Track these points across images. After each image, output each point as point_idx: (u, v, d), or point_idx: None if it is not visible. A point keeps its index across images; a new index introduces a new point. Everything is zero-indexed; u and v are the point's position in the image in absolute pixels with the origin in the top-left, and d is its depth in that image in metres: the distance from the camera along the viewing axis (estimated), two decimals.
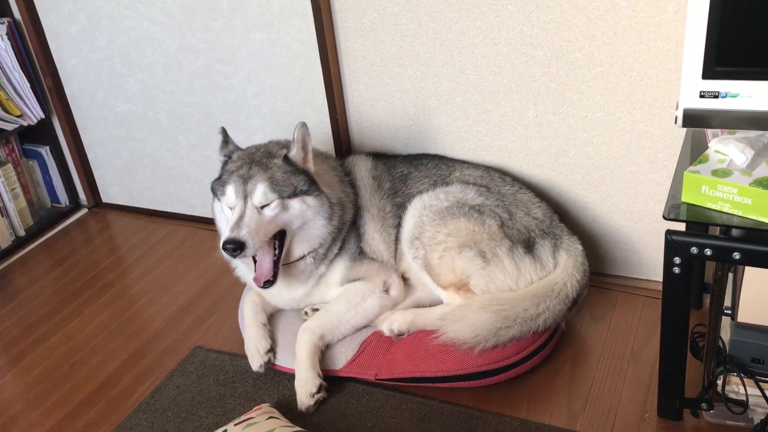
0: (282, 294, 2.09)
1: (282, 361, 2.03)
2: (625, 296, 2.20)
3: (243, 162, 1.97)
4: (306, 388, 1.91)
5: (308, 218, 1.97)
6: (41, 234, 2.94)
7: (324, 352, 2.01)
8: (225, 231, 1.88)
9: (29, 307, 2.52)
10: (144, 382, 2.09)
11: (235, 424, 1.75)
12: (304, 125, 1.98)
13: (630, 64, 1.94)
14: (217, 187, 2.00)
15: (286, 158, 1.96)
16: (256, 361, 2.01)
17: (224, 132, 2.09)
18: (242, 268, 2.16)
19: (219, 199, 2.00)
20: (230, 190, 1.92)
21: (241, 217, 1.88)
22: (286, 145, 2.03)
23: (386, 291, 2.09)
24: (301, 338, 1.98)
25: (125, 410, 2.00)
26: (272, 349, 2.03)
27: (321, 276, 2.09)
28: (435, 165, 2.22)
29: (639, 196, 2.12)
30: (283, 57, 2.38)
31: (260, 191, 1.90)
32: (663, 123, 1.98)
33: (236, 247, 1.83)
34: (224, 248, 1.85)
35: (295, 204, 1.94)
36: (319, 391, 1.92)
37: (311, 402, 1.90)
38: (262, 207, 1.91)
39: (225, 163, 2.04)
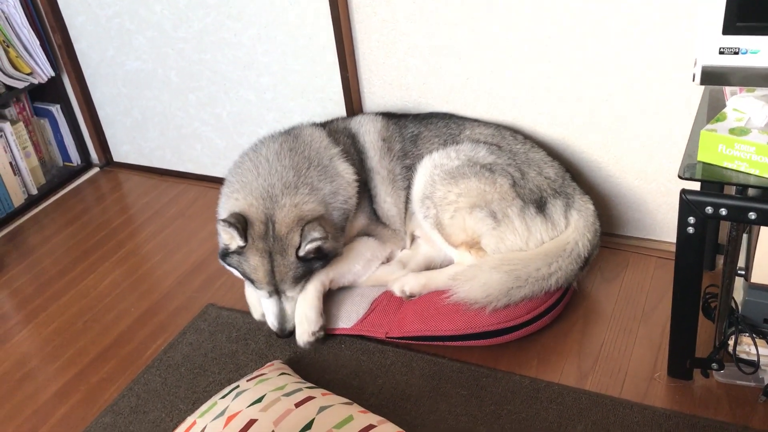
0: None
1: None
2: (638, 257, 2.19)
3: (260, 257, 1.89)
4: (309, 326, 1.95)
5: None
6: (53, 193, 2.95)
7: (335, 310, 2.03)
8: (272, 322, 1.98)
9: (43, 264, 2.54)
10: (157, 339, 2.12)
11: (248, 380, 1.77)
12: (314, 232, 1.88)
13: (648, 22, 1.90)
14: (238, 270, 1.95)
15: (298, 258, 1.92)
16: (256, 311, 2.06)
17: (236, 224, 1.88)
18: None
19: (241, 275, 1.98)
20: (263, 292, 1.95)
21: (280, 312, 1.97)
22: (299, 219, 1.91)
23: (388, 259, 2.13)
24: (313, 279, 1.99)
25: (139, 366, 2.02)
26: None
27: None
28: (445, 124, 2.20)
29: (654, 156, 2.09)
30: (294, 13, 2.35)
31: (290, 289, 1.95)
32: (680, 82, 1.94)
33: (290, 334, 1.98)
34: (279, 337, 2.00)
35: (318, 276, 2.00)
36: (320, 330, 1.96)
37: (311, 339, 1.95)
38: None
39: (241, 251, 1.93)
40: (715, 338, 1.73)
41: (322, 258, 1.96)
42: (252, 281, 1.94)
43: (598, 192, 2.21)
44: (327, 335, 2.01)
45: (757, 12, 1.39)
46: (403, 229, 2.16)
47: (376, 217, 2.14)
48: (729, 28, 1.42)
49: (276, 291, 1.95)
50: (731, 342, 1.67)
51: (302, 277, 1.96)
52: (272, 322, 1.99)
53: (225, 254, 1.96)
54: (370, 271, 2.09)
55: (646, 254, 2.19)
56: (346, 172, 2.08)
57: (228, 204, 1.99)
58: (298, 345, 1.97)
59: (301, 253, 1.91)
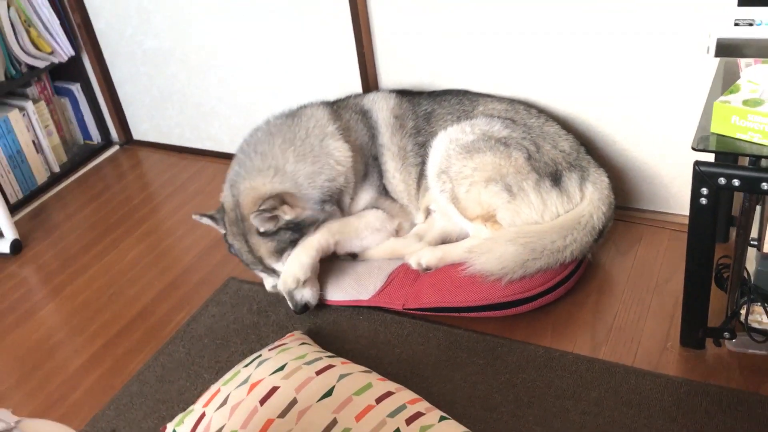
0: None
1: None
2: (652, 230, 2.21)
3: (238, 241, 2.07)
4: (296, 271, 2.00)
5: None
6: (75, 170, 3.01)
7: (353, 282, 2.07)
8: (287, 297, 2.04)
9: (67, 240, 2.60)
10: (180, 312, 2.18)
11: (269, 350, 1.83)
12: (259, 215, 1.96)
13: None
14: (232, 250, 2.15)
15: (261, 234, 2.02)
16: (269, 282, 2.14)
17: (209, 216, 2.14)
18: None
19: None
20: (258, 271, 2.12)
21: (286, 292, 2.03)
22: (259, 197, 2.01)
23: (396, 232, 2.18)
24: (320, 231, 2.06)
25: (163, 337, 2.08)
26: None
27: (347, 207, 2.15)
28: (458, 101, 2.22)
29: (668, 129, 2.11)
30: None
31: (275, 265, 2.06)
32: (694, 54, 1.95)
33: (304, 309, 2.04)
34: (297, 313, 2.05)
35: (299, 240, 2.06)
36: (304, 283, 2.01)
37: (293, 286, 2.01)
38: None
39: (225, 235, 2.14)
40: (727, 308, 1.76)
41: (294, 229, 2.02)
42: (245, 264, 2.10)
43: (612, 165, 2.23)
44: (345, 307, 2.06)
45: None
46: (412, 205, 2.20)
47: (385, 191, 2.18)
48: (744, 0, 1.44)
49: (266, 269, 2.07)
50: (743, 311, 1.69)
51: (282, 250, 2.03)
52: (288, 301, 2.06)
53: (225, 238, 2.13)
54: (376, 241, 2.15)
55: (660, 227, 2.22)
56: (337, 150, 2.11)
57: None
58: (279, 288, 2.05)
59: (260, 228, 2.00)
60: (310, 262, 2.02)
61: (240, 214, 2.03)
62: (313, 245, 2.03)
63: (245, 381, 1.70)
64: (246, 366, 1.77)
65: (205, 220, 2.14)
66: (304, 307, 2.02)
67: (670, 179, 2.19)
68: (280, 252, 2.03)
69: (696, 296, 1.71)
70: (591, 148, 2.19)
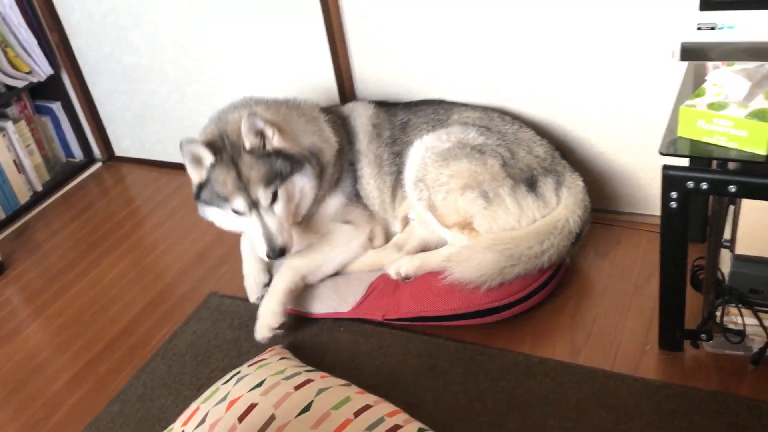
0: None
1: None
2: (630, 232, 2.22)
3: (227, 169, 1.95)
4: (268, 321, 1.99)
5: (302, 191, 2.05)
6: (58, 188, 3.01)
7: (333, 294, 2.07)
8: (260, 245, 1.96)
9: (50, 259, 2.61)
10: (162, 329, 2.17)
11: (249, 366, 1.83)
12: (250, 116, 1.93)
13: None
14: (212, 199, 1.99)
15: (250, 152, 1.95)
16: (253, 293, 2.13)
17: (194, 143, 1.97)
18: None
19: (218, 207, 2.01)
20: (238, 204, 1.96)
21: (264, 227, 1.95)
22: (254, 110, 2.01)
23: (370, 240, 2.17)
24: (284, 273, 2.06)
25: (144, 355, 2.08)
26: (269, 283, 2.10)
27: (315, 212, 2.14)
28: (434, 110, 2.23)
29: (644, 131, 2.11)
30: (287, 8, 2.37)
31: (263, 194, 1.95)
32: (666, 58, 1.95)
33: (281, 253, 1.95)
34: (270, 258, 1.96)
35: (290, 184, 2.00)
36: (279, 327, 1.99)
37: (269, 335, 1.99)
38: (272, 203, 1.97)
39: (210, 171, 1.98)
40: (703, 309, 1.76)
41: (285, 159, 1.97)
42: (226, 199, 1.96)
43: (590, 169, 2.23)
44: (325, 320, 2.06)
45: None
46: (382, 212, 2.20)
47: (357, 198, 2.18)
48: (706, 4, 1.44)
49: (252, 203, 1.95)
50: (719, 313, 1.70)
51: (270, 180, 1.95)
52: (260, 245, 1.96)
53: (198, 194, 2.02)
54: (351, 257, 2.13)
55: (639, 229, 2.22)
56: (327, 131, 2.15)
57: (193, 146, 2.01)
58: (255, 338, 2.00)
59: (247, 144, 1.94)
60: (281, 309, 2.00)
61: (229, 140, 1.97)
62: (279, 290, 2.02)
63: (224, 398, 1.70)
64: (225, 383, 1.77)
65: (194, 147, 1.96)
66: (282, 251, 1.96)
67: (647, 181, 2.19)
68: (269, 180, 1.94)
69: (672, 299, 1.71)
70: (566, 152, 2.19)
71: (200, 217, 2.60)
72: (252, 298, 2.14)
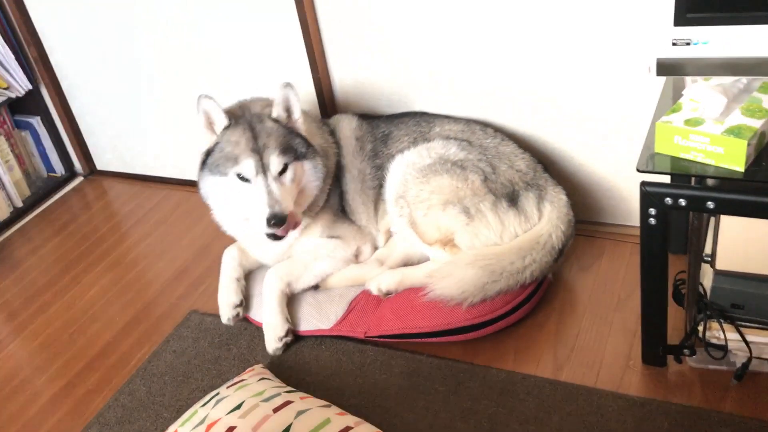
0: (264, 247, 2.12)
1: (255, 315, 2.10)
2: (614, 244, 2.20)
3: (242, 130, 1.92)
4: (275, 333, 2.00)
5: (309, 180, 2.02)
6: (39, 204, 2.98)
7: (314, 311, 2.05)
8: (263, 208, 1.88)
9: (30, 277, 2.57)
10: (141, 348, 2.15)
11: (228, 387, 1.80)
12: (288, 85, 1.96)
13: (611, 12, 1.90)
14: (218, 164, 1.94)
15: (275, 120, 1.95)
16: (225, 314, 2.09)
17: (211, 100, 1.93)
18: (230, 224, 2.17)
19: (222, 174, 1.95)
20: (248, 166, 1.90)
21: (269, 192, 1.89)
22: (270, 104, 2.01)
23: (356, 256, 2.15)
24: (269, 284, 2.06)
25: (124, 376, 2.05)
26: (241, 304, 2.08)
27: (305, 227, 2.11)
28: (415, 122, 2.21)
29: (625, 143, 2.10)
30: (264, 26, 2.35)
31: (276, 160, 1.91)
32: (646, 71, 1.94)
33: (280, 220, 1.87)
34: (270, 224, 1.87)
35: (300, 167, 1.98)
36: (287, 335, 2.00)
37: (279, 345, 1.99)
38: (280, 174, 1.93)
39: (222, 134, 1.95)
40: (686, 324, 1.75)
41: (302, 140, 1.97)
42: (235, 161, 1.90)
43: (572, 181, 2.22)
44: (307, 338, 2.04)
45: (705, 3, 1.40)
46: (372, 226, 2.18)
47: (343, 214, 2.16)
48: (680, 20, 1.43)
49: (261, 167, 1.90)
50: (701, 328, 1.68)
51: (286, 151, 1.92)
52: (262, 210, 1.88)
53: (205, 160, 1.97)
54: (333, 269, 2.12)
55: (622, 240, 2.21)
56: (331, 142, 2.16)
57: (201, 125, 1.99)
58: (268, 353, 2.00)
59: (275, 113, 1.95)
60: (281, 318, 2.02)
61: (250, 111, 1.97)
62: (273, 301, 2.04)
63: (202, 421, 1.67)
64: (203, 405, 1.74)
65: (211, 105, 1.92)
66: (283, 218, 1.90)
67: (629, 192, 2.18)
68: (284, 151, 1.92)
69: (654, 313, 1.70)
70: (550, 164, 2.18)
71: (179, 235, 2.61)
72: (223, 319, 2.09)
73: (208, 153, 1.97)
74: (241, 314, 2.09)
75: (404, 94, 2.31)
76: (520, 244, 1.98)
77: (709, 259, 1.65)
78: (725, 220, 1.54)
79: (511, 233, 2.00)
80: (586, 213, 2.26)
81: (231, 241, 2.43)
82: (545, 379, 1.81)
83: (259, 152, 1.90)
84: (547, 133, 2.19)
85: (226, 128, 1.94)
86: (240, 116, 1.97)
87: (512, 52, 2.08)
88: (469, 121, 2.19)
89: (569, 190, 2.10)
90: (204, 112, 1.94)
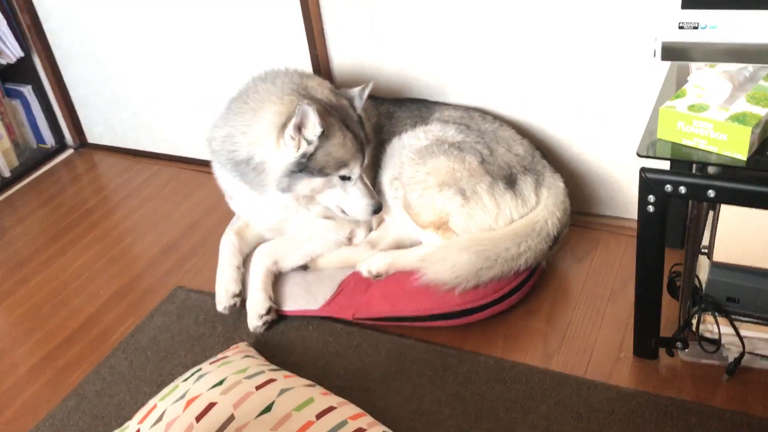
0: (264, 216, 2.08)
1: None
2: (609, 236, 2.17)
3: (343, 134, 1.85)
4: (256, 310, 1.97)
5: None
6: (27, 174, 2.93)
7: (303, 291, 2.02)
8: (367, 202, 1.93)
9: (15, 246, 2.53)
10: (125, 322, 2.10)
11: (210, 363, 1.76)
12: (369, 83, 1.96)
13: None
14: (325, 165, 1.84)
15: (359, 117, 1.96)
16: (221, 302, 2.03)
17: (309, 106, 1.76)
18: (239, 199, 2.08)
19: (324, 175, 1.86)
20: (355, 167, 1.90)
21: (368, 185, 1.95)
22: (332, 88, 1.96)
23: (349, 239, 2.11)
24: (256, 261, 2.03)
25: (106, 349, 2.01)
26: (240, 294, 2.03)
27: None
28: (417, 107, 2.19)
29: (625, 133, 2.07)
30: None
31: (368, 156, 1.95)
32: (649, 58, 1.91)
33: (379, 208, 1.97)
34: (375, 212, 1.96)
35: None
36: (267, 313, 1.97)
37: (260, 323, 1.96)
38: None
39: (321, 140, 1.82)
40: (679, 317, 1.72)
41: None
42: (345, 164, 1.86)
43: (570, 170, 2.19)
44: (294, 317, 2.00)
45: None
46: None
47: None
48: (688, 2, 1.40)
49: (361, 166, 1.92)
50: (695, 321, 1.66)
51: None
52: (366, 201, 1.93)
53: (297, 165, 1.83)
54: (323, 250, 2.08)
55: (618, 233, 2.18)
56: None
57: (261, 125, 1.85)
58: (250, 330, 1.97)
59: (359, 108, 1.95)
60: (264, 295, 1.99)
61: (331, 105, 1.89)
62: (257, 278, 2.01)
63: (182, 396, 1.64)
64: (185, 380, 1.70)
65: (310, 112, 1.76)
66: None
67: (628, 184, 2.15)
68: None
69: (647, 305, 1.67)
70: (548, 152, 2.15)
71: (168, 211, 2.57)
72: (219, 307, 2.03)
73: (304, 156, 1.82)
74: (238, 304, 2.03)
75: (402, 79, 2.27)
76: (515, 229, 1.94)
77: (706, 250, 1.62)
78: (725, 210, 1.50)
79: (506, 216, 1.96)
80: (583, 203, 2.23)
81: (221, 217, 2.42)
82: (534, 368, 1.78)
83: (362, 153, 1.91)
84: (546, 120, 2.15)
85: (324, 133, 1.81)
86: (328, 114, 1.85)
87: (513, 38, 2.05)
88: (468, 109, 2.15)
89: (567, 179, 2.07)
90: (301, 118, 1.78)
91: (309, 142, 1.81)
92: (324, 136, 1.81)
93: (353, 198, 1.93)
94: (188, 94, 2.68)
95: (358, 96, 1.96)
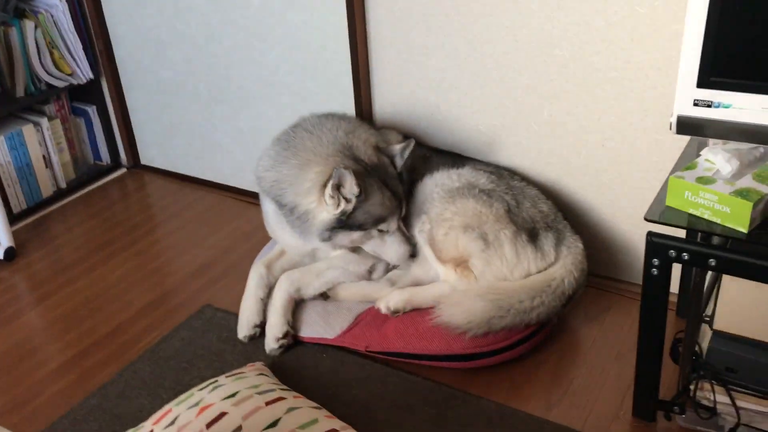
0: (298, 245, 2.19)
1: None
2: (622, 300, 2.23)
3: (381, 191, 1.99)
4: (273, 333, 2.07)
5: None
6: (81, 188, 3.12)
7: (321, 320, 2.11)
8: (403, 249, 2.08)
9: (62, 252, 2.69)
10: (152, 332, 2.23)
11: (227, 377, 1.86)
12: (411, 143, 2.12)
13: (645, 71, 1.97)
14: (363, 221, 1.99)
15: (399, 173, 2.09)
16: (242, 331, 2.14)
17: (347, 170, 1.89)
18: (280, 231, 2.22)
19: (363, 229, 2.02)
20: (393, 222, 2.05)
21: (405, 234, 2.10)
22: (373, 141, 2.08)
23: (369, 273, 2.20)
24: (279, 287, 2.14)
25: (131, 355, 2.13)
26: (261, 325, 2.13)
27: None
28: (452, 157, 2.30)
29: (646, 202, 2.12)
30: (316, 38, 2.48)
31: (404, 209, 2.10)
32: (665, 130, 1.99)
33: (413, 254, 2.12)
34: (412, 257, 2.13)
35: None
36: (284, 337, 2.07)
37: (276, 345, 2.06)
38: None
39: (359, 200, 1.96)
40: (678, 382, 1.76)
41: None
42: (383, 219, 2.01)
43: (590, 233, 2.26)
44: (311, 344, 2.10)
45: (730, 68, 1.46)
46: None
47: None
48: (703, 82, 1.49)
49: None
50: (693, 386, 1.70)
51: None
52: (403, 248, 2.07)
53: (338, 222, 1.97)
54: (344, 279, 2.17)
55: (633, 298, 2.23)
56: None
57: (305, 182, 1.98)
58: (266, 352, 2.08)
59: (400, 161, 2.08)
60: (283, 320, 2.09)
61: (368, 164, 2.01)
62: (278, 303, 2.11)
63: (196, 404, 1.73)
64: (200, 389, 1.80)
65: (347, 177, 1.90)
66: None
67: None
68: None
69: (648, 367, 1.72)
70: (570, 214, 2.23)
71: (207, 233, 2.70)
72: (240, 335, 2.14)
73: (344, 214, 1.96)
74: (258, 334, 2.13)
75: (440, 127, 2.39)
76: (531, 284, 2.01)
77: (709, 318, 1.67)
78: (727, 280, 1.57)
79: (524, 269, 2.04)
80: (600, 266, 2.29)
81: (255, 244, 2.55)
82: (534, 416, 1.83)
83: (400, 208, 2.07)
84: (570, 184, 2.24)
85: (362, 192, 1.94)
86: (368, 174, 1.98)
87: (549, 100, 2.16)
88: (498, 167, 2.27)
89: (586, 242, 2.14)
90: (339, 179, 1.91)
91: (348, 201, 1.95)
92: (362, 195, 1.95)
93: (390, 246, 2.09)
94: (237, 126, 2.85)
95: (399, 154, 2.09)
